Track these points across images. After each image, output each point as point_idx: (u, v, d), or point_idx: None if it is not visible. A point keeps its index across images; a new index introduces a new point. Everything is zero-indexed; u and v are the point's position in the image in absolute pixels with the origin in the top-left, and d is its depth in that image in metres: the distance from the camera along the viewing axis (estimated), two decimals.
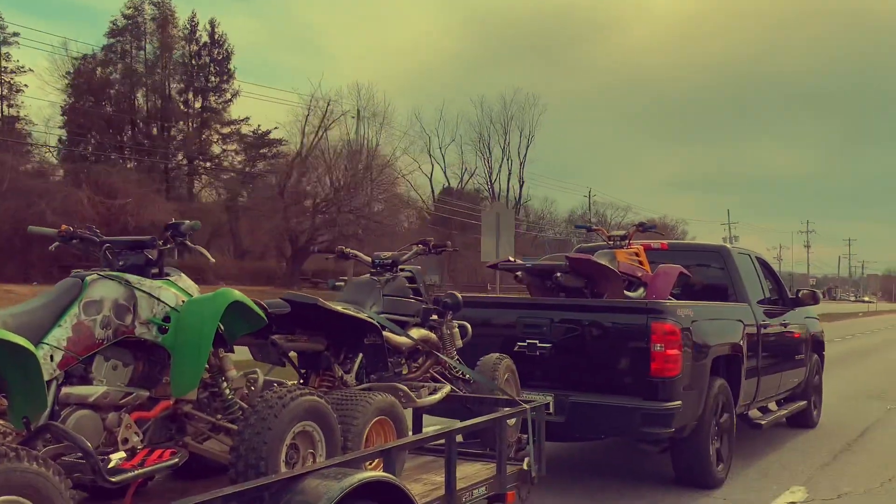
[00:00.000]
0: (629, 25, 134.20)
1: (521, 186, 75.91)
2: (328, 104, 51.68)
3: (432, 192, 70.93)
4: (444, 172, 72.65)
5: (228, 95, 57.79)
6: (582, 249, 9.38)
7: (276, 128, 55.70)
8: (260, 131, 57.19)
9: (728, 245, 9.85)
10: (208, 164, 56.83)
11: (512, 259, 8.45)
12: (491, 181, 74.65)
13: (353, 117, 54.64)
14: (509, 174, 75.05)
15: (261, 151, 57.57)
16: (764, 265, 10.09)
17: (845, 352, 23.45)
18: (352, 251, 6.25)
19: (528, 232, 73.97)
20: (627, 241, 8.54)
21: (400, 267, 5.82)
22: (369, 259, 5.88)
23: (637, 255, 8.42)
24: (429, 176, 70.82)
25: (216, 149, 58.03)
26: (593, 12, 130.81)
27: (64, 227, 4.05)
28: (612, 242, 8.55)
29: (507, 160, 74.92)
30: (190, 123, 56.87)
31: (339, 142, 53.03)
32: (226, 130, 58.01)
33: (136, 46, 55.42)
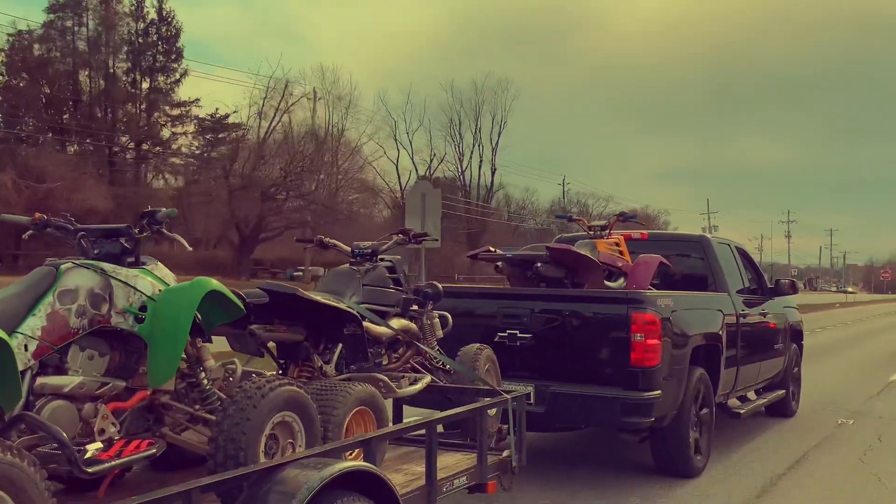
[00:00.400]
0: (614, 17, 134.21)
1: (493, 174, 73.10)
2: (286, 85, 50.49)
3: (398, 178, 67.51)
4: (412, 158, 69.51)
5: (177, 75, 54.39)
6: (562, 239, 9.37)
7: (234, 111, 53.39)
8: (218, 115, 54.44)
9: (708, 235, 9.88)
10: (158, 148, 53.86)
11: (492, 249, 8.43)
12: (462, 168, 71.50)
13: (309, 98, 53.21)
14: (481, 161, 72.18)
15: (219, 136, 54.64)
16: (743, 255, 10.13)
17: (809, 348, 19.95)
18: (331, 241, 6.21)
19: (509, 222, 73.60)
20: (608, 231, 8.55)
21: (380, 257, 5.79)
22: (349, 248, 5.84)
23: (617, 245, 8.43)
24: (395, 162, 67.42)
25: (165, 132, 54.86)
26: (578, 4, 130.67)
27: (38, 215, 3.99)
28: (592, 232, 8.55)
29: (479, 146, 71.82)
30: (138, 105, 53.46)
31: (302, 125, 52.05)
32: (175, 112, 54.82)
33: (78, 23, 51.28)
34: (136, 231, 3.83)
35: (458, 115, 70.99)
